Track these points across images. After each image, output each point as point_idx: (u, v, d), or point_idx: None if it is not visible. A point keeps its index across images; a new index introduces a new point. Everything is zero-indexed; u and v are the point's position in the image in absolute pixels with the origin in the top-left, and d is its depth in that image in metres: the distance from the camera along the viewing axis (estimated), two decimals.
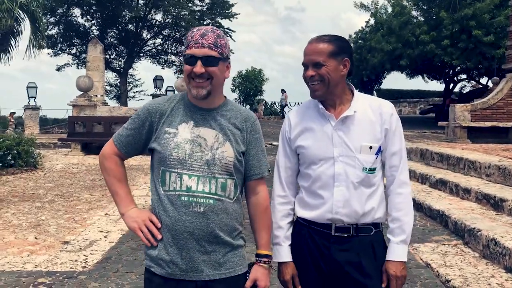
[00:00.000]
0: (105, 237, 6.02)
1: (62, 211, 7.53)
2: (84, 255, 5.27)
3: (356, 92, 2.22)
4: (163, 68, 38.06)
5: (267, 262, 2.15)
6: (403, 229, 2.17)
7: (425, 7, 25.40)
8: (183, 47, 2.08)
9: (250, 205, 2.19)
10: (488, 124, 14.96)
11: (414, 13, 26.26)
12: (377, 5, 27.47)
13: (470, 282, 4.33)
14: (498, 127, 14.95)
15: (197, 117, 2.08)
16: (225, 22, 34.33)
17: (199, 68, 1.99)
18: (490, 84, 25.78)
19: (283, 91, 34.16)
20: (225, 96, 2.17)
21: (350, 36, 32.61)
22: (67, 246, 5.61)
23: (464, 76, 31.13)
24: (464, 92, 33.34)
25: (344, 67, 2.14)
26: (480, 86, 30.39)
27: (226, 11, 34.40)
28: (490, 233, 5.11)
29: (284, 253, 2.23)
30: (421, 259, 5.07)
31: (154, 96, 30.10)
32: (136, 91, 40.94)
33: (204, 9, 34.47)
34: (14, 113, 27.90)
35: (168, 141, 2.04)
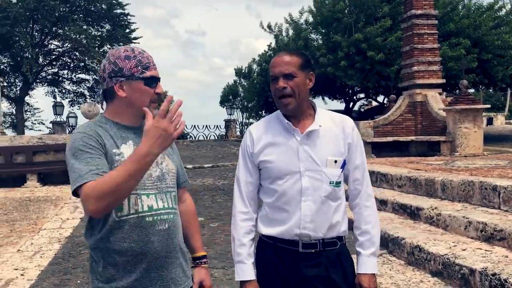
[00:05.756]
0: (21, 275, 5.56)
1: None
2: None
3: (317, 107, 2.23)
4: (54, 98, 35.42)
5: (206, 262, 2.24)
6: (373, 242, 2.20)
7: (323, 31, 26.62)
8: (127, 69, 1.96)
9: (180, 213, 2.17)
10: (390, 139, 15.88)
11: (313, 36, 27.43)
12: (281, 28, 28.39)
13: None
14: (399, 141, 15.92)
15: (132, 136, 2.01)
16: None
17: (161, 89, 2.03)
18: (385, 101, 27.46)
19: None
20: None
21: (254, 59, 33.29)
22: None
23: (362, 95, 32.86)
24: (363, 110, 35.16)
25: (310, 81, 2.16)
26: (377, 103, 32.24)
27: (128, 36, 33.63)
28: (413, 240, 5.37)
29: (248, 272, 2.17)
30: None
31: (54, 123, 28.63)
32: (35, 121, 38.58)
33: (104, 35, 33.43)
34: None
35: (120, 163, 1.89)
